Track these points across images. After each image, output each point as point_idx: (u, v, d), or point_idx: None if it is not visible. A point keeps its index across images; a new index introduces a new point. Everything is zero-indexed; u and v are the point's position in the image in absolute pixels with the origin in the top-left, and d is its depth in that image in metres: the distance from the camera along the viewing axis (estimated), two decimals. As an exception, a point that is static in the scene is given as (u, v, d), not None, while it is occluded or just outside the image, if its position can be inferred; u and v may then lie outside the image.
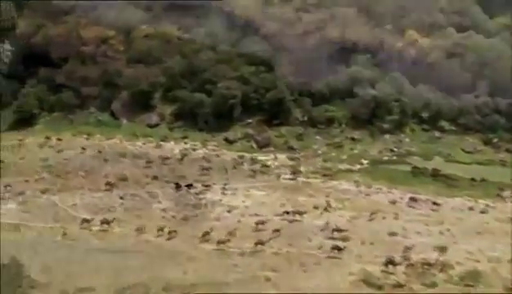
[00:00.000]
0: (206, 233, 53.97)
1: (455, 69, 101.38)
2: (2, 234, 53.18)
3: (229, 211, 62.02)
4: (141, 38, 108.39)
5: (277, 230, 55.42)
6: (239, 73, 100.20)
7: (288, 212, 60.92)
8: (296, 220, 59.79)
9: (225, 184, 69.99)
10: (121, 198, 65.30)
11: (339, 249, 51.63)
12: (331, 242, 53.61)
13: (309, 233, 56.66)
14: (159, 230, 54.60)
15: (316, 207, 63.74)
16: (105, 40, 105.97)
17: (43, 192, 66.32)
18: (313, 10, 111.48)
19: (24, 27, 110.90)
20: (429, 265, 50.17)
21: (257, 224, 56.89)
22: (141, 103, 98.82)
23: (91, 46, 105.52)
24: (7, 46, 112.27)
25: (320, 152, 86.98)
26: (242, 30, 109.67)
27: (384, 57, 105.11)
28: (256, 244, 51.91)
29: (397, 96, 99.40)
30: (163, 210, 62.02)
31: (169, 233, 54.53)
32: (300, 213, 60.64)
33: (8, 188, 66.52)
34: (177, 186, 68.55)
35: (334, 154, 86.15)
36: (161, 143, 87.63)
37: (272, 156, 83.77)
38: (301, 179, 74.51)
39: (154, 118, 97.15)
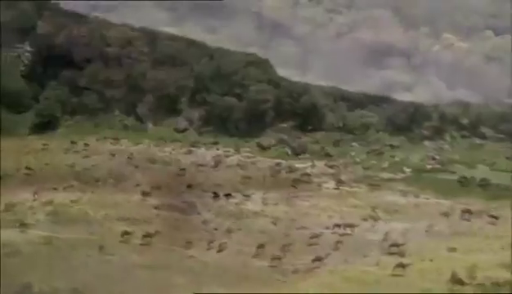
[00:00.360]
0: (260, 247, 49.43)
1: (495, 74, 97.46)
2: (33, 248, 49.04)
3: (274, 224, 57.70)
4: (166, 40, 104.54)
5: (339, 242, 51.29)
6: (269, 76, 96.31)
7: (339, 225, 56.61)
8: (347, 234, 55.45)
9: (264, 194, 65.86)
10: (156, 208, 60.97)
11: (403, 266, 47.14)
12: (389, 258, 49.15)
13: (363, 247, 52.22)
14: (209, 243, 50.16)
15: (365, 219, 59.57)
16: (130, 41, 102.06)
17: (73, 201, 61.88)
18: (345, 11, 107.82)
19: (44, 27, 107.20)
20: (498, 284, 45.58)
21: (311, 238, 52.52)
22: (168, 107, 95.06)
23: (115, 47, 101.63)
24: (27, 46, 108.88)
25: (358, 159, 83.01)
26: (271, 32, 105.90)
27: (419, 61, 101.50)
28: (313, 261, 47.37)
29: (435, 102, 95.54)
30: (204, 222, 57.59)
31: (218, 247, 50.13)
32: (351, 226, 56.33)
33: (36, 196, 62.09)
34: (215, 196, 64.33)
35: (374, 162, 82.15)
36: (191, 149, 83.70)
37: (310, 163, 79.73)
38: (344, 188, 70.46)
39: (182, 122, 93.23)
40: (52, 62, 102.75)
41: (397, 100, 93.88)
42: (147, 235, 50.91)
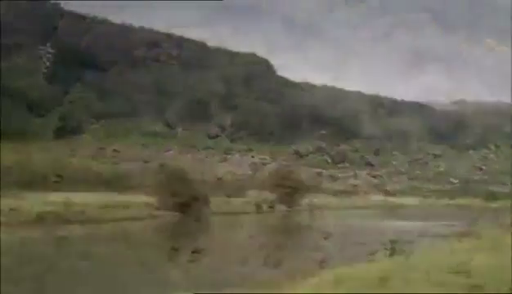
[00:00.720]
0: (322, 262, 45.11)
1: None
2: (71, 264, 44.85)
3: (325, 238, 53.38)
4: (194, 42, 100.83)
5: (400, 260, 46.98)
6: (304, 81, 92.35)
7: (395, 241, 52.31)
8: (405, 251, 51.12)
9: (310, 205, 61.81)
10: (196, 220, 56.99)
11: (480, 287, 42.66)
12: (456, 278, 44.75)
13: (428, 267, 47.75)
14: (265, 258, 45.82)
15: (421, 235, 55.30)
16: (157, 43, 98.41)
17: (107, 211, 58.07)
18: (382, 14, 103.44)
19: (67, 28, 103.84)
20: None
21: (369, 254, 48.17)
22: (198, 112, 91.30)
23: (141, 49, 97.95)
24: (49, 48, 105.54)
25: (403, 169, 78.79)
26: (303, 34, 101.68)
27: (460, 66, 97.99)
28: (380, 280, 42.98)
29: (477, 109, 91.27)
30: (251, 236, 53.39)
31: (273, 263, 45.80)
32: (409, 242, 52.00)
33: (67, 205, 58.12)
34: (258, 208, 60.27)
35: (418, 172, 78.00)
36: (225, 156, 79.89)
37: (352, 173, 75.87)
38: (392, 199, 66.37)
39: (213, 128, 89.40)
40: (75, 64, 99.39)
41: (437, 107, 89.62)
42: (196, 251, 46.71)
